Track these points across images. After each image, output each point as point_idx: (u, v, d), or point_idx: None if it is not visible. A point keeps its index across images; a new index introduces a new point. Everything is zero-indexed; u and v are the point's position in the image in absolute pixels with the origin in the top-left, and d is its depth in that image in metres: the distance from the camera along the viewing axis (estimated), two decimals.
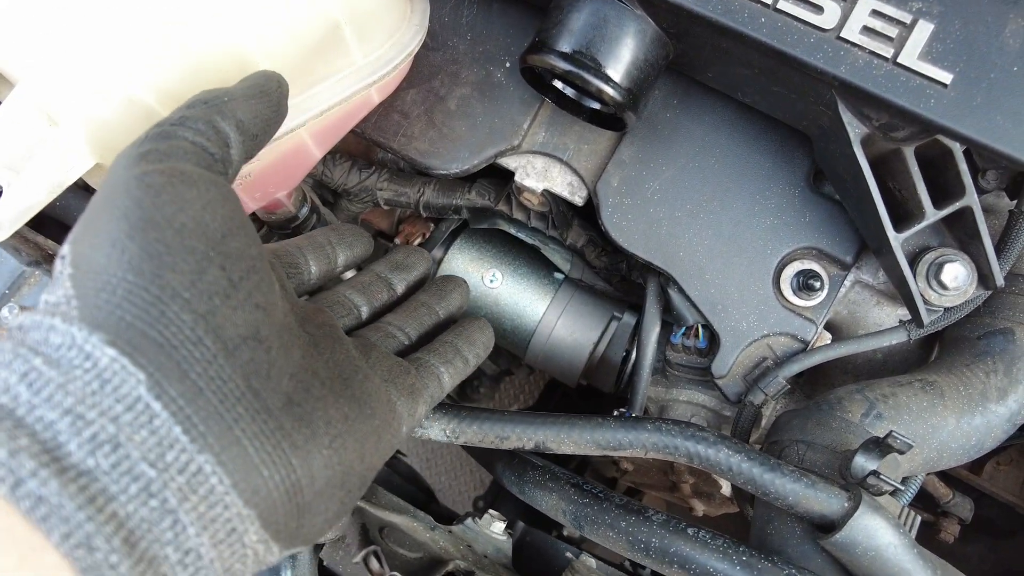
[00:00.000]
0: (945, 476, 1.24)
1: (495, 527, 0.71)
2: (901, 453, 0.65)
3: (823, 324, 0.80)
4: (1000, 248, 0.74)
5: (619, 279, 1.01)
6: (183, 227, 0.45)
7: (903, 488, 0.64)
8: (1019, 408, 0.76)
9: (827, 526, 0.65)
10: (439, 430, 0.69)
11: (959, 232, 0.75)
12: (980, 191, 0.79)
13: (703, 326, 0.82)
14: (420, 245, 1.12)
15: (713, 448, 0.66)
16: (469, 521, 0.71)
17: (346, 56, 0.71)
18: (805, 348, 0.80)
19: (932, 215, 0.70)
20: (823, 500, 0.64)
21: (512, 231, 1.03)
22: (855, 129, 0.66)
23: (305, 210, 0.85)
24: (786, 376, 0.78)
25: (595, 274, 1.03)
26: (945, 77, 0.61)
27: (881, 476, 0.64)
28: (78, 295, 0.42)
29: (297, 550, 0.48)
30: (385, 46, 0.73)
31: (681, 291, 0.81)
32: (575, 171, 0.84)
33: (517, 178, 0.85)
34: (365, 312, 0.67)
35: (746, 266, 0.80)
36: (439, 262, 1.09)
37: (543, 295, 1.05)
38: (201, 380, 0.42)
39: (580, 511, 0.71)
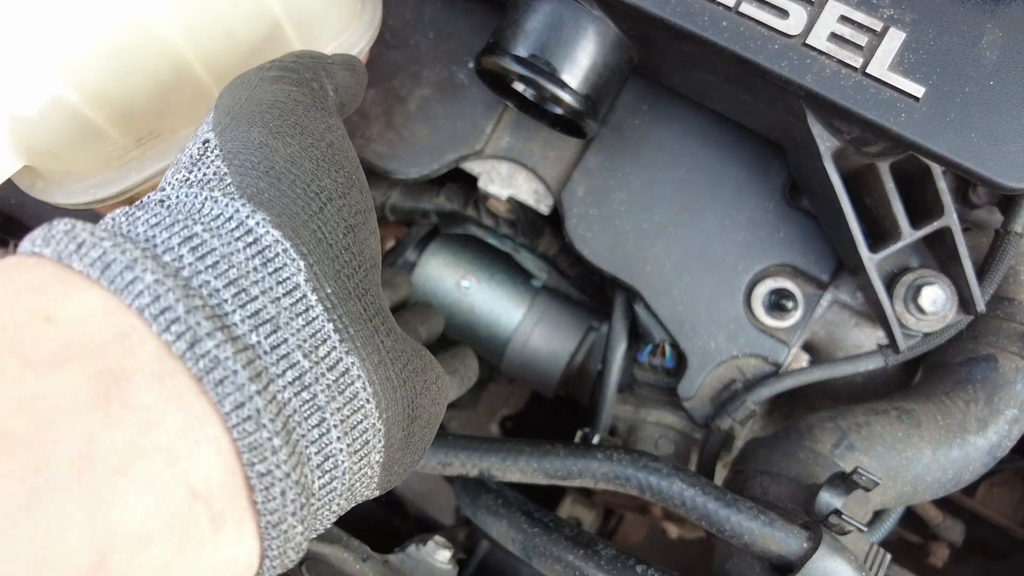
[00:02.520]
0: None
1: (439, 555, 0.67)
2: (867, 490, 0.61)
3: (798, 346, 0.76)
4: (984, 270, 0.70)
5: (594, 289, 0.97)
6: (332, 144, 0.46)
7: (865, 529, 0.60)
8: (1000, 440, 0.71)
9: (785, 567, 0.61)
10: None
11: (940, 253, 0.70)
12: (971, 206, 0.75)
13: (670, 345, 0.78)
14: (392, 249, 1.09)
15: (667, 480, 0.62)
16: (412, 548, 0.67)
17: None
18: (777, 371, 0.76)
19: (909, 235, 0.66)
20: (781, 539, 0.60)
21: (484, 237, 0.99)
22: (825, 142, 0.62)
23: None
24: (755, 401, 0.74)
25: (570, 283, 0.99)
26: (917, 90, 0.56)
27: (844, 516, 0.60)
28: (234, 173, 0.41)
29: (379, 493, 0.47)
30: (331, 45, 0.69)
31: (647, 307, 0.77)
32: (541, 178, 0.80)
33: (481, 184, 0.81)
34: None
35: (716, 283, 0.76)
36: (413, 266, 1.06)
37: (519, 303, 1.01)
38: (349, 284, 0.42)
39: (529, 541, 0.67)
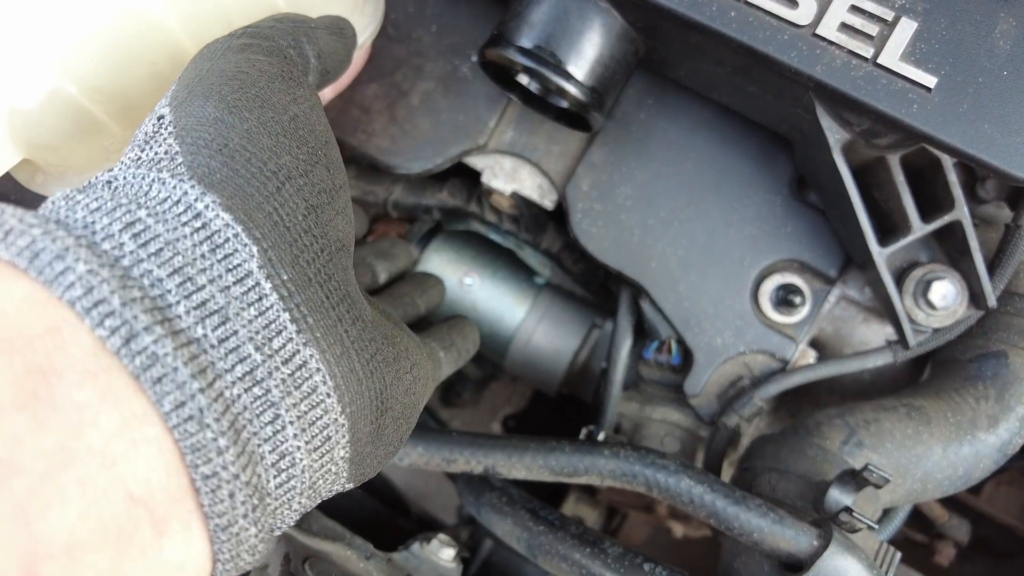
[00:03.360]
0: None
1: (443, 553, 0.66)
2: (878, 487, 0.60)
3: (805, 342, 0.75)
4: (994, 265, 0.69)
5: (598, 286, 0.96)
6: (296, 117, 0.43)
7: (876, 527, 0.59)
8: (1011, 437, 0.71)
9: (795, 565, 0.60)
10: None
11: (950, 247, 0.69)
12: (979, 201, 0.74)
13: (676, 341, 0.77)
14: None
15: (674, 477, 0.61)
16: (416, 547, 0.66)
17: None
18: (784, 367, 0.75)
19: (919, 229, 0.65)
20: (790, 537, 0.59)
21: (487, 233, 0.98)
22: (835, 135, 0.61)
23: None
24: (762, 398, 0.73)
25: (573, 280, 0.98)
26: (929, 81, 0.55)
27: (855, 514, 0.59)
28: (185, 151, 0.39)
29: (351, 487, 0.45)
30: None
31: (653, 303, 0.76)
32: (544, 173, 0.79)
33: (484, 179, 0.80)
34: None
35: (722, 278, 0.75)
36: (415, 262, 1.05)
37: (522, 300, 1.00)
38: (310, 270, 0.39)
39: (534, 539, 0.66)
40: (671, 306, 0.75)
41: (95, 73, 0.59)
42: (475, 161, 0.81)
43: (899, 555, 0.66)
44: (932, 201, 0.66)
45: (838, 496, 0.62)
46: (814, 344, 0.79)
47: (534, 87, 0.72)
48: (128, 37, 0.58)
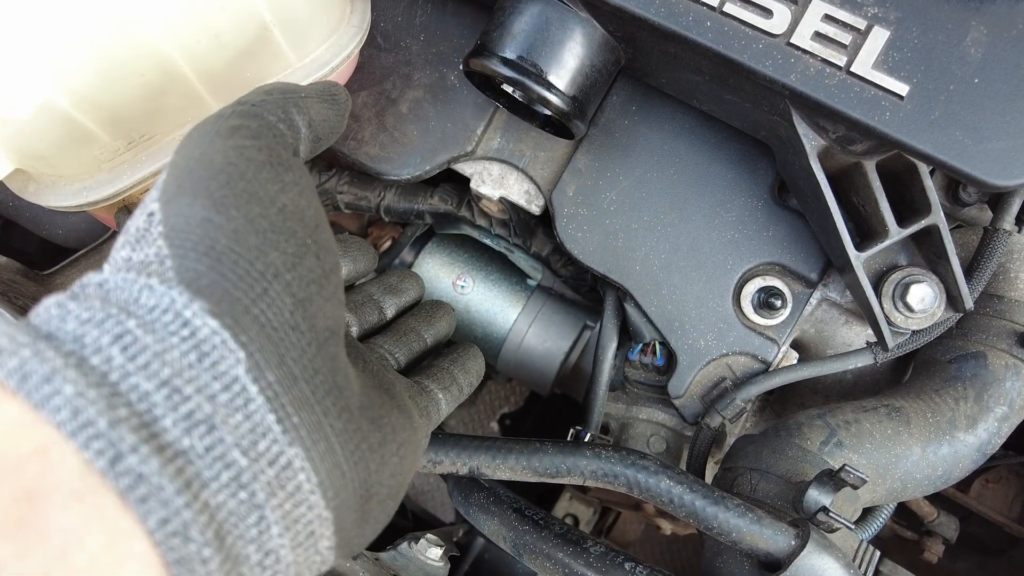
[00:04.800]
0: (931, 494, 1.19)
1: (431, 553, 0.67)
2: (855, 488, 0.61)
3: (787, 344, 0.76)
4: (972, 268, 0.70)
5: (588, 289, 0.98)
6: (284, 208, 0.43)
7: (853, 527, 0.60)
8: (989, 437, 0.72)
9: (773, 564, 0.61)
10: None
11: (928, 250, 0.70)
12: (962, 204, 0.75)
13: (660, 343, 0.78)
14: (388, 249, 1.09)
15: (654, 477, 0.62)
16: (404, 546, 0.68)
17: (279, 59, 0.68)
18: (767, 369, 0.76)
19: (896, 233, 0.66)
20: (768, 537, 0.60)
21: (478, 237, 0.99)
22: (811, 141, 0.62)
23: None
24: (744, 399, 0.74)
25: (563, 283, 0.99)
26: (901, 88, 0.56)
27: (832, 514, 0.60)
28: (174, 255, 0.39)
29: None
30: (321, 48, 0.70)
31: (637, 306, 0.77)
32: (531, 179, 0.80)
33: (473, 185, 0.82)
34: (355, 332, 0.64)
35: (705, 281, 0.76)
36: (409, 266, 1.06)
37: (514, 302, 1.02)
38: (296, 367, 0.39)
39: (520, 538, 0.67)
40: (654, 309, 0.76)
41: (85, 85, 0.60)
42: (463, 167, 0.82)
43: (878, 554, 0.67)
44: (909, 205, 0.68)
45: (816, 496, 0.63)
46: (796, 346, 0.80)
47: (518, 95, 0.73)
48: (118, 50, 0.59)
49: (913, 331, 0.71)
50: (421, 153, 0.81)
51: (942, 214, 0.66)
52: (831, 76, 0.57)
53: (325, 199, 0.94)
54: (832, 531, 0.62)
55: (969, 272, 0.70)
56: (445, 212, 0.93)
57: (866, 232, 0.69)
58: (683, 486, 0.62)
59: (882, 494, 0.71)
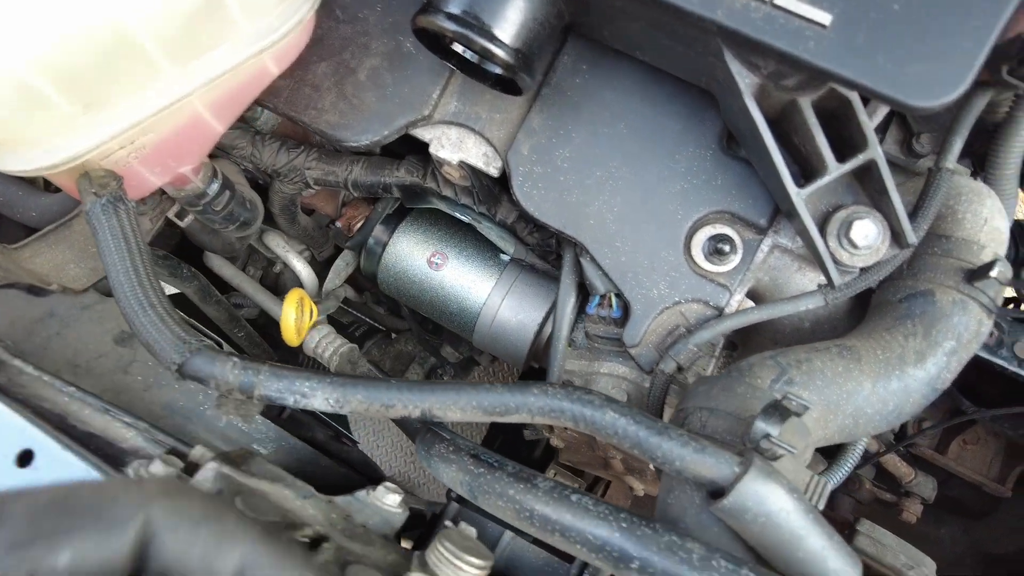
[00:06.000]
0: (910, 457, 1.20)
1: (388, 499, 0.68)
2: (798, 415, 0.62)
3: (741, 292, 0.78)
4: (918, 206, 0.71)
5: (555, 257, 0.99)
6: None
7: (794, 451, 0.61)
8: (939, 372, 0.73)
9: (718, 492, 0.62)
10: (322, 399, 0.67)
11: (870, 189, 0.72)
12: (916, 156, 0.76)
13: (616, 295, 0.80)
14: (362, 227, 1.11)
15: (599, 411, 0.63)
16: (361, 493, 0.69)
17: (230, 24, 0.70)
18: (720, 315, 0.77)
19: (835, 168, 0.67)
20: (711, 464, 0.61)
21: (446, 209, 1.01)
22: (744, 79, 0.64)
23: (215, 186, 0.84)
24: (697, 343, 0.75)
25: (532, 252, 1.01)
26: (824, 18, 0.58)
27: (773, 439, 0.61)
28: None
29: None
30: (273, 13, 0.72)
31: (593, 260, 0.79)
32: (488, 140, 0.82)
33: (432, 150, 0.83)
34: None
35: (656, 232, 0.77)
36: (384, 245, 1.08)
37: (488, 276, 1.03)
38: None
39: (475, 482, 0.68)
40: (608, 261, 0.78)
41: (42, 50, 0.62)
42: (422, 133, 0.84)
43: (830, 486, 0.68)
44: (848, 143, 0.69)
45: (762, 426, 0.64)
46: (752, 296, 0.82)
47: (469, 55, 0.75)
48: (72, 13, 0.61)
49: (861, 269, 0.72)
50: (380, 119, 0.82)
51: (879, 149, 0.67)
52: (756, 9, 0.59)
53: (294, 176, 0.96)
54: (776, 458, 0.62)
55: (915, 211, 0.71)
56: (411, 184, 0.95)
57: (808, 172, 0.70)
58: (627, 418, 0.63)
59: (834, 430, 0.72)
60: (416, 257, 1.07)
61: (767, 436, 0.61)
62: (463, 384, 0.67)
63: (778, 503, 0.60)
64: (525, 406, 0.65)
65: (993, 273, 0.71)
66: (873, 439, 1.16)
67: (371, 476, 1.05)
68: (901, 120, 0.80)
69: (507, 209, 0.93)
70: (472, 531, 0.68)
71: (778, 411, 0.64)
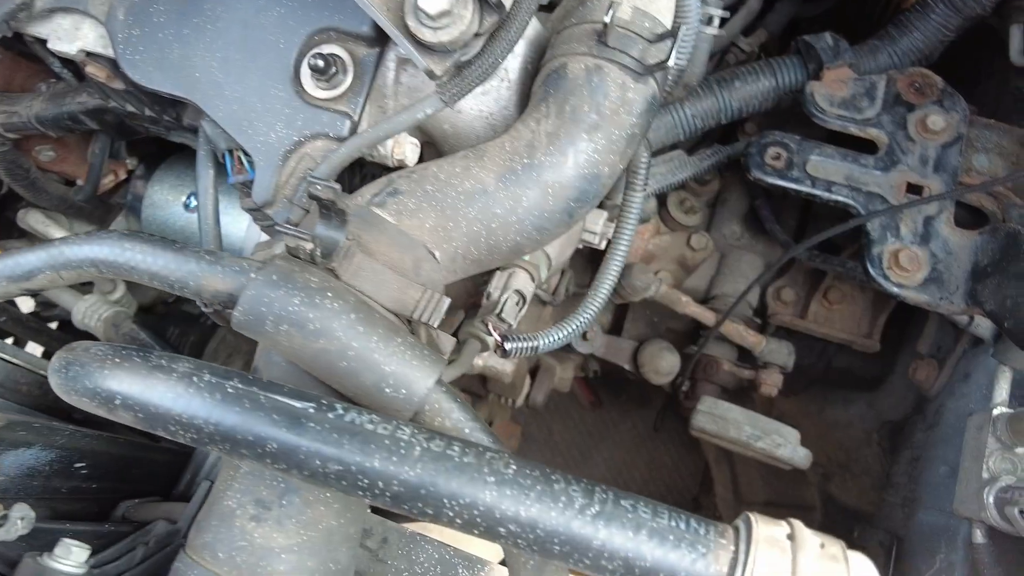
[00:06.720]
0: (761, 325, 1.04)
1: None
2: (328, 206, 0.52)
3: (368, 116, 0.67)
4: None
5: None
6: None
7: (303, 234, 0.50)
8: (587, 156, 0.60)
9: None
10: None
11: None
12: None
13: (242, 153, 0.70)
14: (124, 182, 1.04)
15: (117, 248, 0.53)
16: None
17: None
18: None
19: None
20: (221, 276, 0.51)
21: (166, 135, 0.92)
22: None
23: None
24: (317, 178, 0.64)
25: None
26: None
27: (287, 227, 0.51)
28: None
29: None
30: None
31: (211, 119, 0.69)
32: (95, 17, 0.73)
33: (51, 46, 0.75)
34: None
35: (264, 69, 0.67)
36: (141, 199, 1.00)
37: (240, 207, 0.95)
38: None
39: None
40: (222, 114, 0.68)
41: None
42: (36, 29, 0.75)
43: (446, 302, 0.56)
44: None
45: (325, 232, 0.53)
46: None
47: None
48: None
49: (454, 52, 0.60)
50: None
51: None
52: None
53: None
54: (307, 256, 0.52)
55: None
56: (96, 107, 0.86)
57: None
58: (146, 246, 0.53)
59: (463, 240, 0.60)
60: (171, 204, 0.99)
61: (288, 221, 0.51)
62: None
63: (292, 304, 0.49)
64: (47, 263, 0.55)
65: (607, 18, 0.59)
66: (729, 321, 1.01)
67: None
68: None
69: (194, 112, 0.84)
70: None
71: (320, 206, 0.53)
